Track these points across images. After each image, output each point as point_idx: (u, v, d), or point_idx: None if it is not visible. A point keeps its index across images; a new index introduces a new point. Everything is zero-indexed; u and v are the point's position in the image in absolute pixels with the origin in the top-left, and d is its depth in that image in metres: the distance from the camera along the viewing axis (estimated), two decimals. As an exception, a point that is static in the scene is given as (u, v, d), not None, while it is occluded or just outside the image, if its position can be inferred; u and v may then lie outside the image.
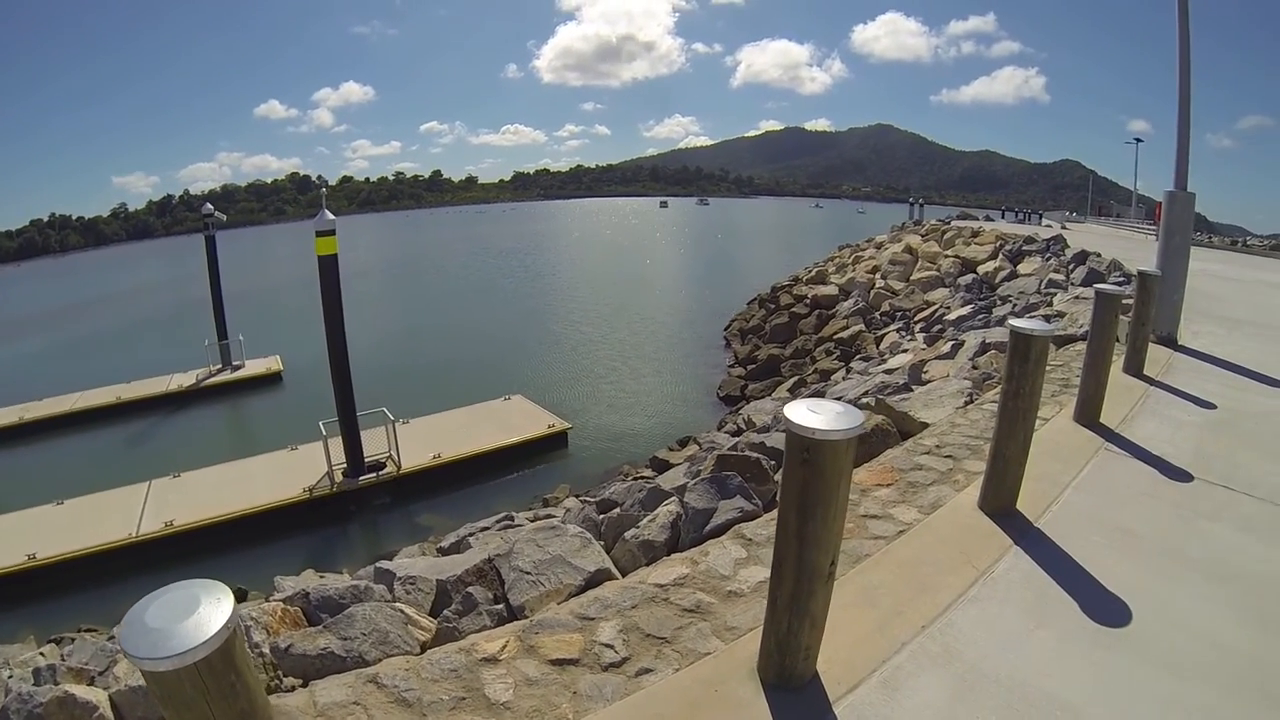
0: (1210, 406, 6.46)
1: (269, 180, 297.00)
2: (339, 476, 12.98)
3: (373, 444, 13.43)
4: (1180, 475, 4.93)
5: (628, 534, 5.14)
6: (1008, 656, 3.06)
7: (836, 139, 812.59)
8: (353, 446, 13.10)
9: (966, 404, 6.80)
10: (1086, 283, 13.98)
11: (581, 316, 32.90)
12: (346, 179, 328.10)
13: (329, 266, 12.83)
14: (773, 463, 5.76)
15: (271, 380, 22.72)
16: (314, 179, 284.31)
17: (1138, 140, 58.39)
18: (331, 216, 12.86)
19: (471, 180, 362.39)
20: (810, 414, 2.41)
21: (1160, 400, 6.63)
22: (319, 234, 12.71)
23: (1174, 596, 3.53)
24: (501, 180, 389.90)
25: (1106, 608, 3.40)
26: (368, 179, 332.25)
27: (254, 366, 23.01)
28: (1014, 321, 4.02)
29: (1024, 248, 20.58)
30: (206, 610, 1.64)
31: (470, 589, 4.47)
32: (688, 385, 21.23)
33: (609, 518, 5.97)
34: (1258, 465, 5.16)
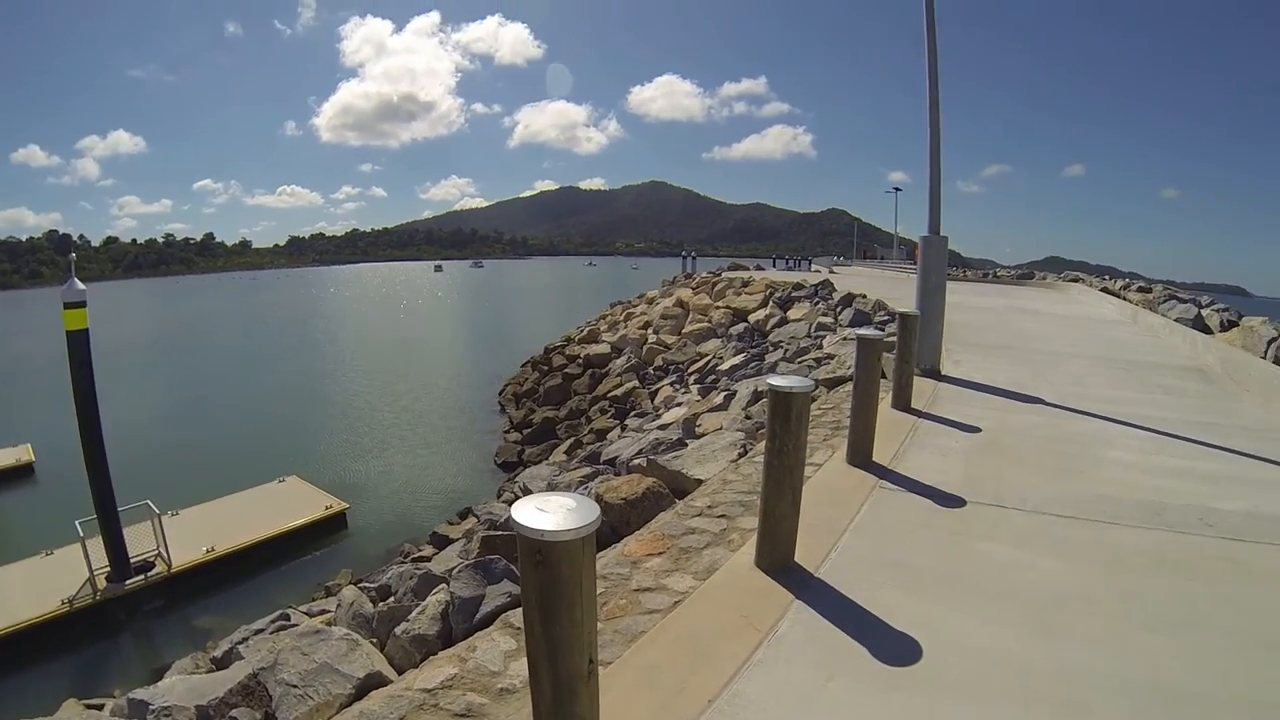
0: (975, 430, 7.18)
1: (24, 238, 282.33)
2: (102, 582, 12.35)
3: (139, 541, 12.94)
4: (953, 501, 5.35)
5: (399, 629, 5.15)
6: (802, 718, 3.07)
7: (611, 197, 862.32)
8: (116, 546, 12.53)
9: (739, 457, 7.06)
10: (854, 323, 15.36)
11: (358, 387, 33.62)
12: (111, 240, 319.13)
13: (79, 343, 12.43)
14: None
15: (21, 473, 20.95)
16: (75, 238, 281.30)
17: (897, 189, 70.28)
18: (81, 286, 12.45)
19: (246, 244, 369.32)
20: (538, 513, 2.34)
21: (929, 431, 7.24)
22: (67, 306, 12.30)
23: (960, 622, 3.75)
24: (276, 245, 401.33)
25: (896, 647, 3.53)
26: (135, 240, 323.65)
27: (-1, 458, 21.55)
28: (772, 380, 4.18)
29: (793, 294, 22.27)
30: None
31: (235, 712, 4.36)
32: (467, 453, 22.12)
33: (381, 611, 5.99)
34: (1023, 480, 5.77)
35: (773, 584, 4.18)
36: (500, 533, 6.16)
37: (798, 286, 23.33)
